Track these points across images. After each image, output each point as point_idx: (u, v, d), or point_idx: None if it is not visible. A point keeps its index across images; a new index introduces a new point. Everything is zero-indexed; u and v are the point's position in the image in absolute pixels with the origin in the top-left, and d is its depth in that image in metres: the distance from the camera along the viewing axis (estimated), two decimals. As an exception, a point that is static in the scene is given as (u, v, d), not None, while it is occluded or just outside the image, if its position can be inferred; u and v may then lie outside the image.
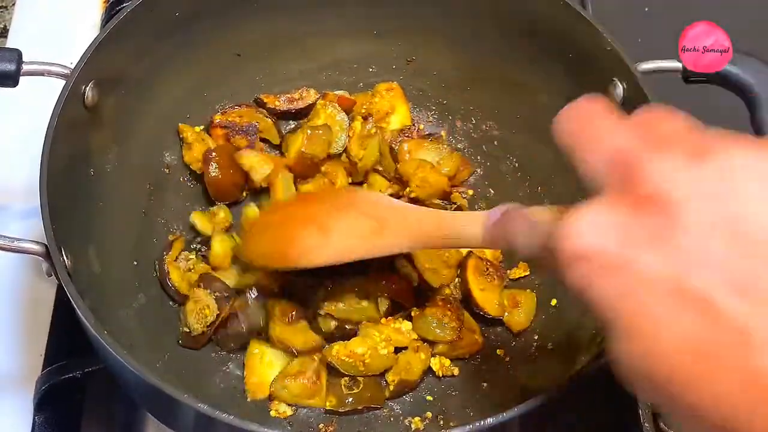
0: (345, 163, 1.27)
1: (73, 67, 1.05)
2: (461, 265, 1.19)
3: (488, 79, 1.29)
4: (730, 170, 0.57)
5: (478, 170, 1.32)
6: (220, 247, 1.20)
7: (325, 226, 1.04)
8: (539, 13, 1.16)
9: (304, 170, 1.23)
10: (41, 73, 1.06)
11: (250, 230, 1.17)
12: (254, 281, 1.15)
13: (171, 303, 1.18)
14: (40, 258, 0.97)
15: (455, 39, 1.28)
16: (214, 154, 1.21)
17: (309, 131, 1.23)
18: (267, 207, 1.22)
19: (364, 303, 1.14)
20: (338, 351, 1.11)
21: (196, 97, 1.27)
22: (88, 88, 1.06)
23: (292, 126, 1.34)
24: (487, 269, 1.20)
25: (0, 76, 1.04)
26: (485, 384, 1.15)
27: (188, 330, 1.13)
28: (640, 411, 1.08)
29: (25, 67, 1.05)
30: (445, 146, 1.29)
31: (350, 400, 1.11)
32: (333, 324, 1.14)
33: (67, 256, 0.97)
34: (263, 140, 1.30)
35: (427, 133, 1.33)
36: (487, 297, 1.17)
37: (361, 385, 1.12)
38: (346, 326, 1.14)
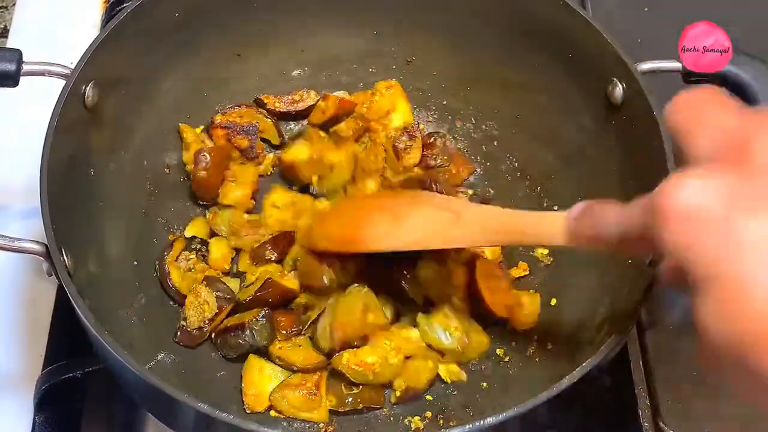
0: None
1: (73, 67, 1.05)
2: (469, 267, 1.19)
3: (488, 79, 1.29)
4: None
5: (478, 170, 1.32)
6: (218, 250, 1.20)
7: (398, 215, 1.06)
8: (539, 13, 1.17)
9: None
10: (41, 73, 1.06)
11: (321, 217, 1.19)
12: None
13: (171, 303, 1.18)
14: (40, 258, 0.97)
15: (455, 39, 1.28)
16: (204, 154, 1.21)
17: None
18: (339, 200, 1.24)
19: (371, 316, 1.13)
20: (348, 360, 1.09)
21: (196, 97, 1.27)
22: (88, 88, 1.06)
23: (293, 126, 1.34)
24: (495, 271, 1.19)
25: (0, 76, 1.04)
26: (485, 384, 1.15)
27: (185, 324, 1.13)
28: (640, 411, 1.08)
29: (25, 67, 1.05)
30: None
31: (350, 400, 1.11)
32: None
33: (67, 256, 0.97)
34: (263, 140, 1.30)
35: (428, 132, 1.33)
36: (495, 299, 1.17)
37: (361, 386, 1.12)
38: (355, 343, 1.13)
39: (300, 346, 1.13)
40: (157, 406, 1.02)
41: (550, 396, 0.88)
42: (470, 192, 1.30)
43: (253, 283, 1.16)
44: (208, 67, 1.26)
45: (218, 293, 1.14)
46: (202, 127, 1.28)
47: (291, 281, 1.16)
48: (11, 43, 1.50)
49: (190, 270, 1.19)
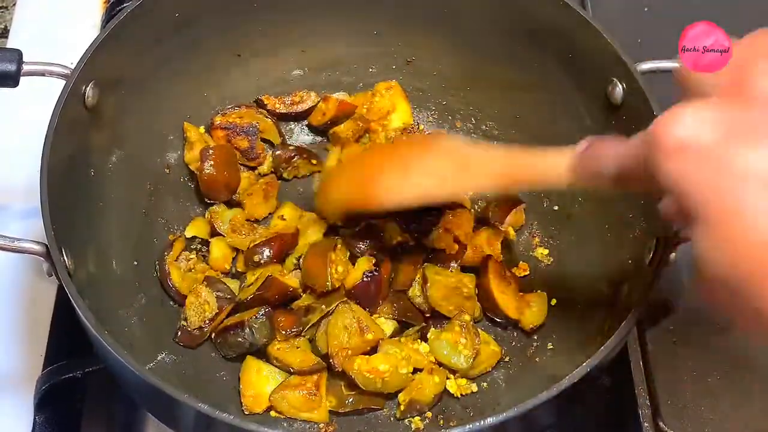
0: None
1: (73, 67, 1.05)
2: (481, 270, 1.19)
3: (488, 79, 1.29)
4: None
5: (478, 170, 1.32)
6: (219, 250, 1.20)
7: (405, 166, 1.04)
8: (539, 13, 1.16)
9: None
10: (41, 73, 1.06)
11: (329, 176, 1.19)
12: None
13: (171, 303, 1.18)
14: (41, 258, 0.97)
15: (455, 39, 1.28)
16: (211, 152, 1.22)
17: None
18: (346, 155, 1.25)
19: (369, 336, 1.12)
20: (360, 365, 1.09)
21: (197, 98, 1.27)
22: (88, 88, 1.06)
23: (293, 126, 1.34)
24: (505, 272, 1.19)
25: (0, 76, 1.04)
26: (485, 384, 1.15)
27: (186, 324, 1.13)
28: (640, 411, 1.08)
29: (25, 68, 1.05)
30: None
31: (350, 400, 1.11)
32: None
33: (67, 256, 0.97)
34: (264, 140, 1.30)
35: (427, 132, 1.33)
36: (507, 300, 1.17)
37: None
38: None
39: (298, 347, 1.13)
40: (157, 406, 1.02)
41: (550, 396, 0.88)
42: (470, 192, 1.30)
43: (253, 283, 1.16)
44: (208, 67, 1.26)
45: (218, 293, 1.14)
46: (202, 127, 1.28)
47: (292, 280, 1.16)
48: (11, 43, 1.50)
49: (190, 270, 1.19)
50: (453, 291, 1.17)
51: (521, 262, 1.24)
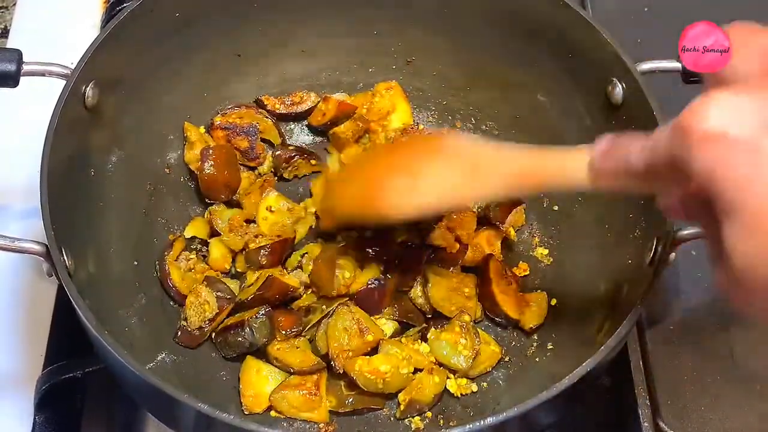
0: None
1: (73, 67, 1.05)
2: (482, 269, 1.19)
3: (488, 79, 1.29)
4: None
5: (478, 170, 1.32)
6: (218, 250, 1.20)
7: (411, 175, 0.96)
8: (539, 13, 1.17)
9: None
10: (41, 74, 1.06)
11: (333, 184, 1.13)
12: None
13: (171, 303, 1.18)
14: (41, 258, 0.97)
15: (455, 39, 1.28)
16: (211, 152, 1.22)
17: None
18: (350, 160, 1.20)
19: (369, 338, 1.12)
20: (361, 366, 1.09)
21: (197, 98, 1.27)
22: (88, 88, 1.06)
23: (293, 127, 1.34)
24: (505, 272, 1.19)
25: (0, 77, 1.04)
26: (485, 384, 1.15)
27: (186, 324, 1.13)
28: (640, 411, 1.08)
29: (25, 68, 1.05)
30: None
31: (350, 400, 1.11)
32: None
33: (67, 256, 0.97)
34: (264, 140, 1.30)
35: (430, 131, 1.33)
36: (507, 299, 1.17)
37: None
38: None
39: (298, 348, 1.13)
40: (157, 406, 1.02)
41: (550, 396, 0.88)
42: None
43: (253, 283, 1.16)
44: (208, 67, 1.26)
45: (218, 293, 1.14)
46: (202, 127, 1.28)
47: (292, 280, 1.16)
48: (11, 43, 1.50)
49: (190, 270, 1.19)
50: (454, 291, 1.17)
51: (521, 262, 1.24)
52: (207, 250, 1.21)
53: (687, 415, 1.09)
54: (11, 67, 1.04)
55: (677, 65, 1.08)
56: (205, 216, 1.24)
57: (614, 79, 1.10)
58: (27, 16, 1.53)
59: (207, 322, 1.13)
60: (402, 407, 1.11)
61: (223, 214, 1.23)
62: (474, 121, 1.33)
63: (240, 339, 1.11)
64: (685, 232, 0.99)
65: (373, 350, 1.12)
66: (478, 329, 1.16)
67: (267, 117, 1.30)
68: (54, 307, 1.22)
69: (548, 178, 0.85)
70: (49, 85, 1.04)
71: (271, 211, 1.23)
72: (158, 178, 1.25)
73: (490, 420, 0.86)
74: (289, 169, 1.29)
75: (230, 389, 1.13)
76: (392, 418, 1.13)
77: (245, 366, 1.13)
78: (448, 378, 1.14)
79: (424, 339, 1.16)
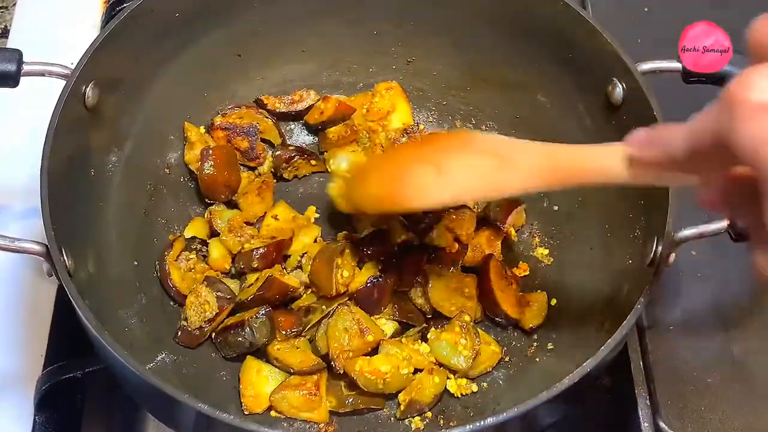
0: None
1: (73, 67, 1.05)
2: (482, 269, 1.19)
3: (488, 79, 1.29)
4: None
5: (478, 170, 1.32)
6: (218, 251, 1.20)
7: (440, 164, 0.93)
8: (539, 13, 1.17)
9: None
10: (41, 74, 1.06)
11: (358, 173, 1.11)
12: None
13: (171, 303, 1.18)
14: (41, 258, 0.97)
15: (455, 39, 1.28)
16: (211, 152, 1.22)
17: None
18: (376, 152, 1.19)
19: (369, 338, 1.12)
20: (361, 367, 1.09)
21: (197, 98, 1.27)
22: (88, 88, 1.06)
23: (293, 126, 1.34)
24: (506, 272, 1.19)
25: (0, 77, 1.04)
26: (485, 384, 1.15)
27: (186, 324, 1.13)
28: (640, 411, 1.08)
29: (25, 68, 1.05)
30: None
31: (350, 401, 1.11)
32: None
33: (67, 256, 0.97)
34: (264, 141, 1.30)
35: (427, 133, 1.33)
36: (507, 299, 1.17)
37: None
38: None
39: (298, 348, 1.13)
40: (157, 406, 1.02)
41: (550, 396, 0.88)
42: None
43: (253, 283, 1.16)
44: (208, 67, 1.26)
45: (219, 293, 1.14)
46: (202, 127, 1.28)
47: (292, 280, 1.16)
48: (11, 43, 1.50)
49: (190, 270, 1.19)
50: (454, 291, 1.17)
51: (521, 262, 1.24)
52: (207, 251, 1.21)
53: (687, 415, 1.09)
54: (11, 67, 1.04)
55: (677, 65, 1.08)
56: (205, 216, 1.24)
57: (614, 79, 1.10)
58: (27, 16, 1.53)
59: (207, 322, 1.13)
60: (402, 407, 1.11)
61: (223, 215, 1.23)
62: (474, 121, 1.33)
63: (240, 339, 1.11)
64: (685, 232, 0.99)
65: (374, 350, 1.12)
66: (478, 329, 1.16)
67: (267, 117, 1.30)
68: (54, 307, 1.22)
69: (585, 171, 0.83)
70: (49, 85, 1.04)
71: (276, 219, 1.23)
72: (158, 178, 1.25)
73: (490, 420, 0.86)
74: (289, 169, 1.29)
75: (230, 389, 1.13)
76: (392, 418, 1.13)
77: (245, 366, 1.13)
78: (448, 378, 1.14)
79: (424, 339, 1.16)
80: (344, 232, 1.22)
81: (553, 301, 1.19)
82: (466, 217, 1.20)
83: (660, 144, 0.71)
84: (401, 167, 1.00)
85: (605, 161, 0.79)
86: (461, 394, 1.14)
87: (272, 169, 1.30)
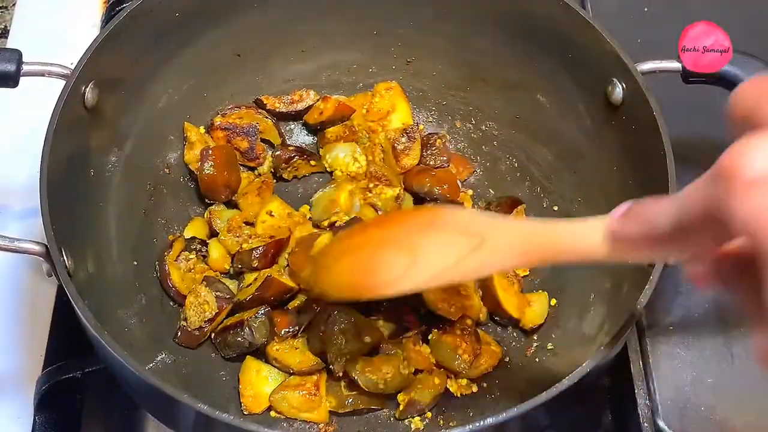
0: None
1: (73, 67, 1.05)
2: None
3: (488, 79, 1.29)
4: None
5: (478, 170, 1.32)
6: (217, 251, 1.20)
7: (412, 248, 0.88)
8: (539, 13, 1.16)
9: None
10: (41, 74, 1.06)
11: (324, 258, 1.05)
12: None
13: (171, 303, 1.18)
14: (40, 258, 0.97)
15: (455, 39, 1.28)
16: (211, 152, 1.22)
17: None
18: (342, 232, 1.13)
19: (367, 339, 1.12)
20: (362, 367, 1.09)
21: (197, 98, 1.27)
22: (88, 88, 1.06)
23: (292, 126, 1.34)
24: (508, 272, 1.19)
25: (0, 77, 1.04)
26: (485, 384, 1.15)
27: (186, 324, 1.13)
28: (640, 411, 1.08)
29: (25, 68, 1.05)
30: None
31: (350, 401, 1.11)
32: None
33: (67, 256, 0.97)
34: (264, 141, 1.30)
35: (427, 132, 1.33)
36: (509, 298, 1.17)
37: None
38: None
39: (296, 348, 1.13)
40: (157, 406, 1.02)
41: (550, 396, 0.88)
42: (470, 192, 1.30)
43: (252, 283, 1.16)
44: (208, 67, 1.26)
45: (218, 293, 1.14)
46: (202, 127, 1.28)
47: (290, 279, 1.16)
48: (11, 43, 1.50)
49: (189, 270, 1.19)
50: (451, 293, 1.17)
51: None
52: (206, 251, 1.21)
53: (687, 415, 1.08)
54: (11, 67, 1.04)
55: (677, 65, 1.08)
56: (205, 216, 1.24)
57: (614, 79, 1.10)
58: (27, 16, 1.53)
59: (207, 322, 1.13)
60: (402, 407, 1.11)
61: (222, 215, 1.23)
62: (474, 121, 1.33)
63: (239, 339, 1.11)
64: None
65: (374, 350, 1.12)
66: (478, 330, 1.16)
67: (267, 117, 1.30)
68: (54, 307, 1.22)
69: (564, 250, 0.78)
70: (48, 85, 1.04)
71: (271, 215, 1.23)
72: (158, 178, 1.25)
73: (490, 420, 0.86)
74: (289, 169, 1.29)
75: (230, 389, 1.13)
76: (392, 419, 1.13)
77: (245, 366, 1.13)
78: (448, 378, 1.14)
79: (425, 340, 1.16)
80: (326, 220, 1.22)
81: (553, 301, 1.19)
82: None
83: (644, 219, 0.66)
84: (371, 253, 0.94)
85: (585, 239, 0.75)
86: (461, 394, 1.14)
87: (272, 170, 1.30)
